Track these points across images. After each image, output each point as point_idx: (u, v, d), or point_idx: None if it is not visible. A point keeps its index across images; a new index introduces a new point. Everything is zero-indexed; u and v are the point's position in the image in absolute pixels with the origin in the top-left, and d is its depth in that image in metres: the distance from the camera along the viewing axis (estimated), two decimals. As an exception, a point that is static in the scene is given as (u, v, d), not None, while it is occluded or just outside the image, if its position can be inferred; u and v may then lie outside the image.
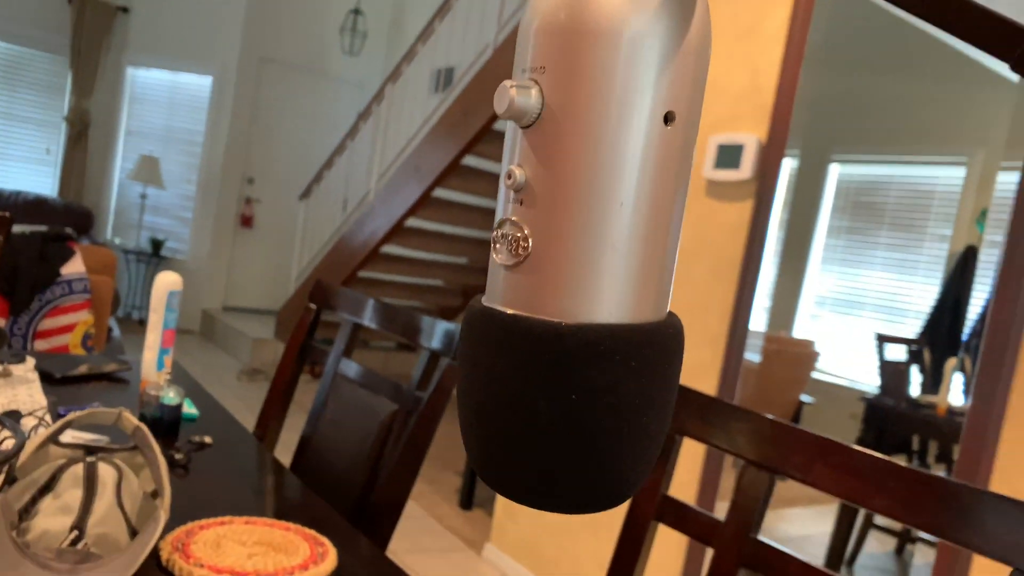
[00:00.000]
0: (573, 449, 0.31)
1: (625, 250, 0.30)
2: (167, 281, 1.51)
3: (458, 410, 0.35)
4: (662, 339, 0.32)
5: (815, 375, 4.93)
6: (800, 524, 4.21)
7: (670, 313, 0.33)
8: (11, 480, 0.89)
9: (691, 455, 2.24)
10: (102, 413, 1.02)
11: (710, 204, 2.32)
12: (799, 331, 5.84)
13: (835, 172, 5.62)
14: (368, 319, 1.47)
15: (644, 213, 0.30)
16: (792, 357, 4.31)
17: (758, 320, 5.27)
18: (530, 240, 0.30)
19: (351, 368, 1.50)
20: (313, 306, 1.61)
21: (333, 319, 4.67)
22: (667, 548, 2.26)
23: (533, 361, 0.30)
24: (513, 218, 0.31)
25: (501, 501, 2.95)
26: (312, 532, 1.03)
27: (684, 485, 2.23)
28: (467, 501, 3.44)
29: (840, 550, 3.21)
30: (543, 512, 2.77)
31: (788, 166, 5.52)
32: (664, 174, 0.30)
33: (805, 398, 4.24)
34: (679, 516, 0.90)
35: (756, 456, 0.85)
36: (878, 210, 5.39)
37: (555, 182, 0.29)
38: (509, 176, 0.30)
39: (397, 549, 2.95)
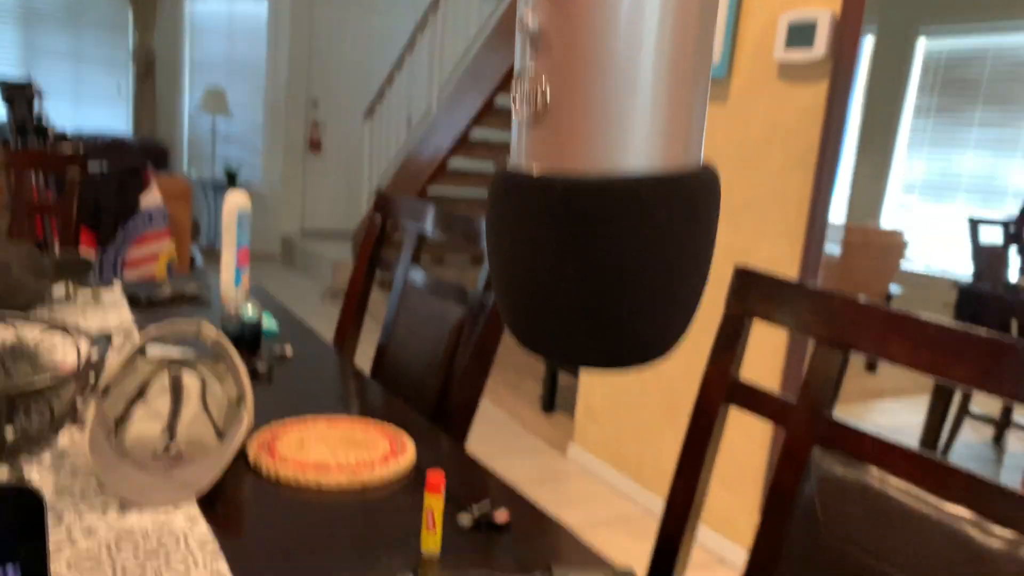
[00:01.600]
0: (604, 301, 0.30)
1: (650, 90, 0.28)
2: (236, 201, 1.55)
3: (492, 276, 0.34)
4: (693, 187, 0.30)
5: (904, 266, 4.76)
6: (891, 416, 4.15)
7: (705, 164, 0.32)
8: (105, 392, 0.95)
9: (771, 345, 2.21)
10: (182, 325, 1.06)
11: (782, 88, 2.21)
12: (886, 221, 5.63)
13: (922, 47, 5.28)
14: (429, 225, 1.48)
15: (667, 47, 0.28)
16: (878, 248, 4.16)
17: (838, 211, 5.09)
18: (548, 88, 0.29)
19: (419, 276, 1.52)
20: (378, 216, 1.63)
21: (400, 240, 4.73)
22: (745, 435, 2.26)
23: (557, 217, 0.29)
24: (530, 66, 0.29)
25: (582, 403, 2.99)
26: (392, 428, 1.07)
27: (766, 378, 2.21)
28: (549, 404, 3.51)
29: (933, 439, 3.16)
30: (622, 412, 2.80)
31: (867, 43, 5.21)
32: (686, 3, 0.28)
33: (894, 289, 4.11)
34: (750, 399, 0.89)
35: (828, 333, 0.83)
36: (971, 86, 5.06)
37: (568, 22, 0.28)
38: (522, 23, 0.29)
39: (483, 452, 3.04)
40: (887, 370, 3.98)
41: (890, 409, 4.28)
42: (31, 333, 0.77)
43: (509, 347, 4.35)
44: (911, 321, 0.75)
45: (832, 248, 4.03)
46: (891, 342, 0.77)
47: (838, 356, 0.82)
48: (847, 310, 0.81)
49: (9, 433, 0.69)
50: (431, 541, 0.78)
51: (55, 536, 0.75)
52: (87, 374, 0.74)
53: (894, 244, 4.25)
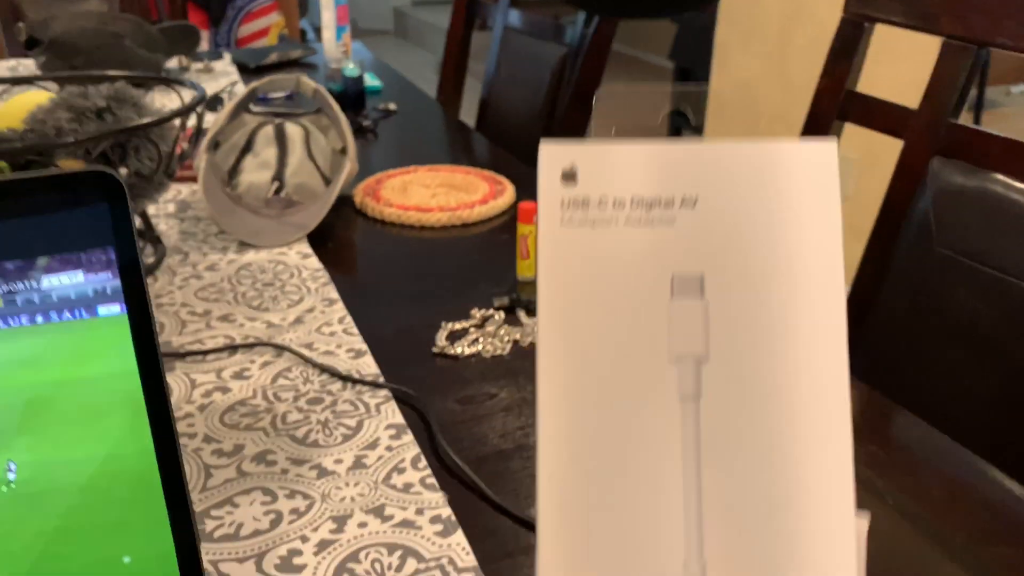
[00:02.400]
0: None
1: None
2: (326, -46, 1.49)
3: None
4: None
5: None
6: None
7: None
8: (215, 145, 0.98)
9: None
10: (282, 79, 1.07)
11: None
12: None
13: None
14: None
15: None
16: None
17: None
18: None
19: (515, 17, 1.45)
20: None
21: None
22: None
23: None
24: None
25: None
26: (491, 173, 1.07)
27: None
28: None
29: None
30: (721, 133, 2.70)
31: None
32: None
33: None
34: (866, 111, 0.82)
35: (958, 29, 0.73)
36: None
37: None
38: None
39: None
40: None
41: None
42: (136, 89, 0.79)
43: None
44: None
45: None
46: (1033, 31, 0.67)
47: (970, 53, 0.73)
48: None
49: (123, 173, 0.73)
50: (526, 268, 0.80)
51: (182, 272, 0.82)
52: (190, 114, 0.77)
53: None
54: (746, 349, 0.18)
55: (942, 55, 0.75)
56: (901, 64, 2.07)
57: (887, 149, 0.80)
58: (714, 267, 0.18)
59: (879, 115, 0.81)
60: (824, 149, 0.19)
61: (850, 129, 0.85)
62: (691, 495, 0.17)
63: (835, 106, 0.84)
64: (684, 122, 0.21)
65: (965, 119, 0.75)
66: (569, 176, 0.19)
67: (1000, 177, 0.70)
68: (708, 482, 0.17)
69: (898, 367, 0.78)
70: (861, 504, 0.53)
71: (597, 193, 0.19)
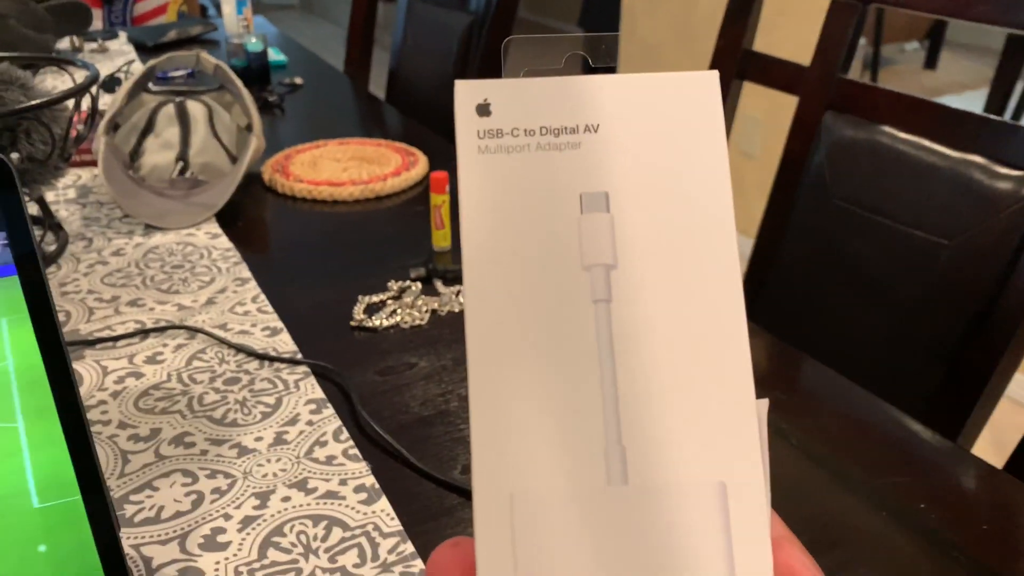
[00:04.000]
0: None
1: None
2: (221, -76, 1.44)
3: None
4: None
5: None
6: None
7: None
8: (115, 127, 0.95)
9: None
10: (181, 56, 1.04)
11: None
12: None
13: None
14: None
15: None
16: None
17: None
18: None
19: (422, -13, 1.44)
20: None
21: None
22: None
23: None
24: None
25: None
26: (403, 145, 1.06)
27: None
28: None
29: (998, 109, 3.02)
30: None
31: None
32: None
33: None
34: (762, 69, 0.85)
35: (844, -11, 0.76)
36: None
37: None
38: None
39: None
40: (947, 65, 3.78)
41: (952, 104, 4.09)
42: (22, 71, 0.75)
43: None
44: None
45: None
46: (912, -12, 0.71)
47: (855, 12, 0.76)
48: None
49: (15, 158, 0.70)
50: (441, 238, 0.80)
51: (87, 258, 0.79)
52: (83, 95, 0.74)
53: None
54: (648, 256, 0.20)
55: (830, 12, 0.78)
56: (801, 24, 2.13)
57: (790, 109, 0.83)
58: (617, 185, 0.20)
59: (775, 73, 0.84)
60: (706, 77, 0.21)
61: (755, 91, 0.87)
62: (608, 388, 0.19)
63: (733, 65, 0.87)
64: (587, 65, 0.23)
65: (864, 77, 0.78)
66: (483, 109, 0.21)
67: (888, 129, 0.74)
68: (622, 375, 0.19)
69: (800, 315, 0.82)
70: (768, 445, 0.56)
71: (509, 124, 0.21)
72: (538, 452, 0.19)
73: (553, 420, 0.19)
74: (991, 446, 1.54)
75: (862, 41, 2.63)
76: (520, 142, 0.21)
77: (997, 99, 3.07)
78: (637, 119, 0.21)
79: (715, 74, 0.21)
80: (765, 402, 0.20)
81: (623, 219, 0.21)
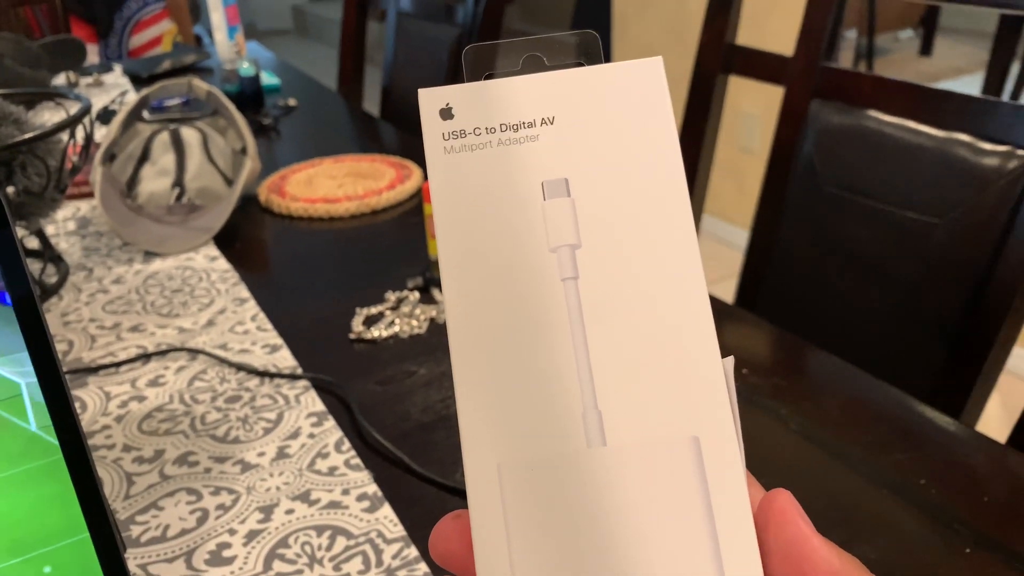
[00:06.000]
0: None
1: None
2: (208, -47, 1.46)
3: None
4: None
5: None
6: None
7: None
8: (111, 157, 0.96)
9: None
10: (172, 84, 1.05)
11: None
12: None
13: None
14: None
15: None
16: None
17: None
18: None
19: (407, 2, 1.45)
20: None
21: None
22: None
23: None
24: None
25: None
26: (397, 159, 1.07)
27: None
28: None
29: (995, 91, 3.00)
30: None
31: None
32: None
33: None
34: (747, 62, 0.86)
35: (823, -24, 0.77)
36: None
37: None
38: None
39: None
40: (942, 51, 3.77)
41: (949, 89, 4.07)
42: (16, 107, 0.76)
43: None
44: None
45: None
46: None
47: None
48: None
49: (11, 192, 0.71)
50: (436, 246, 0.81)
51: (88, 287, 0.80)
52: (76, 126, 0.75)
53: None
54: (610, 233, 0.22)
55: (811, 1, 0.78)
56: (793, 16, 2.14)
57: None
58: (576, 171, 0.22)
59: (759, 65, 0.84)
60: (650, 64, 0.23)
61: (752, 87, 0.88)
62: (581, 358, 0.21)
63: (718, 59, 0.87)
64: (542, 65, 0.24)
65: (860, 68, 0.78)
66: (446, 113, 0.23)
67: (873, 113, 0.74)
68: (593, 345, 0.21)
69: (801, 303, 0.82)
70: (767, 431, 0.56)
71: (471, 124, 0.22)
72: (520, 423, 0.21)
73: (532, 393, 0.21)
74: (1006, 426, 1.53)
75: (855, 32, 2.63)
76: (482, 140, 0.22)
77: (994, 81, 3.06)
78: (589, 108, 0.22)
79: (659, 60, 0.23)
80: (731, 360, 0.21)
81: (584, 202, 0.22)
